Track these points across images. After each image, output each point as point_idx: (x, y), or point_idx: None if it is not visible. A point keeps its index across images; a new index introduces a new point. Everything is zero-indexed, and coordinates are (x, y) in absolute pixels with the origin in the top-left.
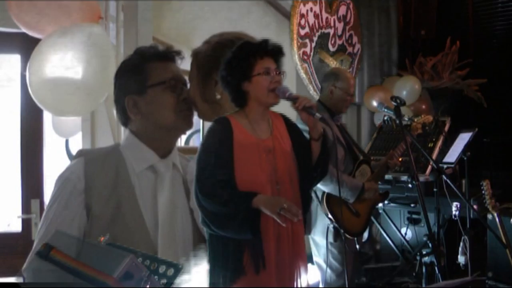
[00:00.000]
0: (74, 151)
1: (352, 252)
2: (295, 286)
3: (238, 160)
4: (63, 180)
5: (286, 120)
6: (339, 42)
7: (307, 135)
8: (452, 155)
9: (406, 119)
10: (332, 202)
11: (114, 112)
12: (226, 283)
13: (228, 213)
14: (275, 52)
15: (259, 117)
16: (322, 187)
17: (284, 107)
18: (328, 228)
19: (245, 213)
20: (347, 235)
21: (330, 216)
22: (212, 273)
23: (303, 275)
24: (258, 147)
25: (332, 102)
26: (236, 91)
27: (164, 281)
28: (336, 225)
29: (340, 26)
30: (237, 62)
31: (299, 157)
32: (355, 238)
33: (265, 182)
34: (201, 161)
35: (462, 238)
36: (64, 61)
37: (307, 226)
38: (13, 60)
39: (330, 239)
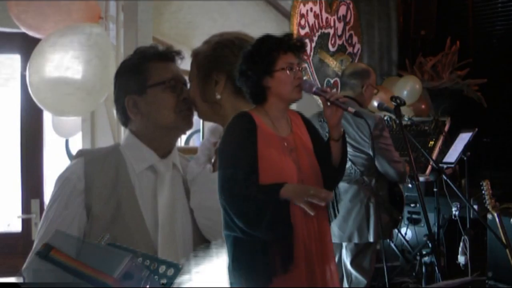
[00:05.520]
0: (74, 151)
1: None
2: (327, 286)
3: (263, 157)
4: (63, 180)
5: (303, 117)
6: (339, 42)
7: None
8: (452, 155)
9: (406, 119)
10: None
11: (114, 112)
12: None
13: (258, 208)
14: (298, 47)
15: (280, 114)
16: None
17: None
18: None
19: (276, 205)
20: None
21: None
22: (235, 278)
23: (333, 274)
24: (282, 144)
25: (363, 99)
26: (257, 87)
27: (164, 281)
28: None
29: (340, 26)
30: (259, 56)
31: (319, 156)
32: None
33: (291, 182)
34: (223, 158)
35: (462, 238)
36: (64, 61)
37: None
38: (13, 60)
39: (371, 239)
